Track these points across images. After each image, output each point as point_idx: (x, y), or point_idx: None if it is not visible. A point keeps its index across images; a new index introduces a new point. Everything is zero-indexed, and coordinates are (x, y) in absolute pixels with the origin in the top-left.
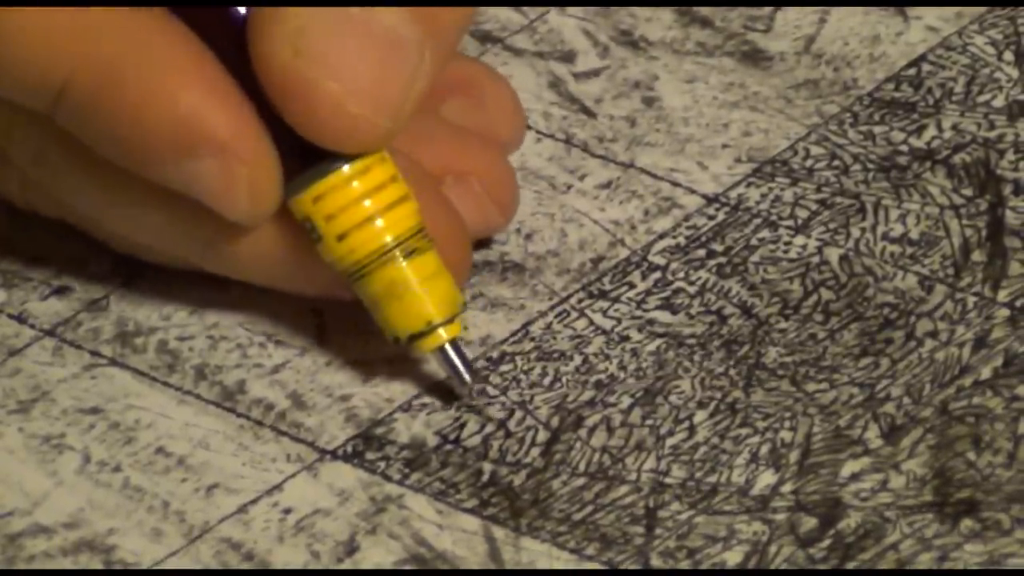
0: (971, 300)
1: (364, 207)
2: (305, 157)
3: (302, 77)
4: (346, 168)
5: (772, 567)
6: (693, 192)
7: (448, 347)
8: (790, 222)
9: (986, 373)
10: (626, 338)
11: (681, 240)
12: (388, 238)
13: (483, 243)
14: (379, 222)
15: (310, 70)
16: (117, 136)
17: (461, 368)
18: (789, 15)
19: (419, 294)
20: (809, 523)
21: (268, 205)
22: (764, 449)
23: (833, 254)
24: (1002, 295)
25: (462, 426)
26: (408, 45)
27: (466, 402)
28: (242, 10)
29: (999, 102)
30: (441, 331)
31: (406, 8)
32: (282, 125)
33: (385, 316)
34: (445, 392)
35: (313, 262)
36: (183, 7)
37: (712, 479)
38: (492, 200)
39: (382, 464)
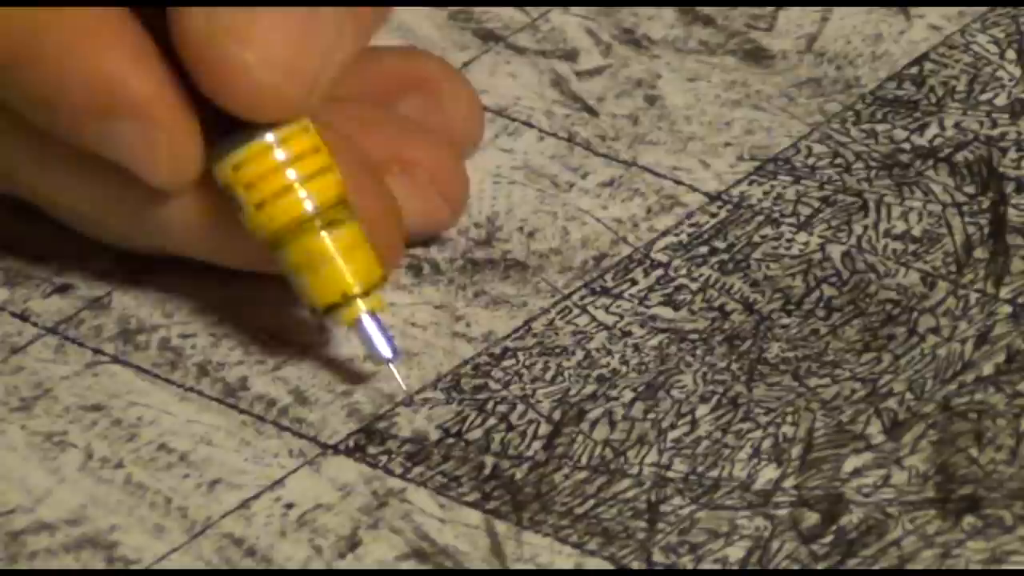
0: (973, 296)
1: (283, 176)
2: (227, 125)
3: (215, 46)
4: (267, 136)
5: (774, 563)
6: (695, 190)
7: (364, 319)
8: (792, 219)
9: (988, 369)
10: (628, 333)
11: (684, 237)
12: (307, 207)
13: (485, 241)
14: (299, 192)
15: (223, 39)
16: (37, 99)
17: (377, 343)
18: (791, 14)
19: (337, 265)
20: (811, 518)
21: (188, 170)
22: (766, 444)
23: (835, 251)
24: (1004, 292)
25: (464, 420)
26: (327, 17)
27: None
28: None
29: (1001, 100)
30: (359, 302)
31: None
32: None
33: (303, 286)
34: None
35: (238, 233)
36: None
37: (714, 473)
38: (438, 193)
39: (384, 458)
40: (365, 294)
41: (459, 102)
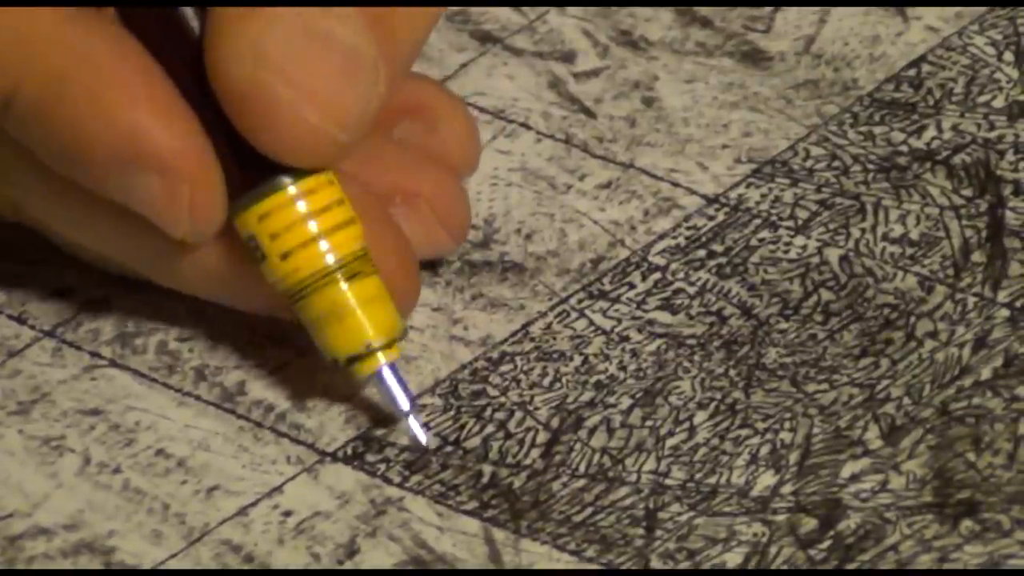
0: (971, 300)
1: (309, 227)
2: (252, 175)
3: (262, 87)
4: (293, 188)
5: (772, 568)
6: (693, 192)
7: (385, 371)
8: (790, 223)
9: (986, 374)
10: (626, 338)
11: (681, 240)
12: (331, 259)
13: (482, 243)
14: (323, 243)
15: (270, 80)
16: (60, 148)
17: (396, 394)
18: (789, 15)
19: (359, 317)
20: (809, 524)
21: (210, 223)
22: (764, 450)
23: (833, 255)
24: (1002, 295)
25: (462, 427)
26: (365, 60)
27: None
28: (195, 23)
29: (999, 103)
30: (380, 355)
31: (362, 18)
32: (230, 142)
33: (324, 338)
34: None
35: (256, 282)
36: (136, 23)
37: (712, 480)
38: (441, 223)
39: (382, 466)
40: (386, 346)
41: (455, 126)
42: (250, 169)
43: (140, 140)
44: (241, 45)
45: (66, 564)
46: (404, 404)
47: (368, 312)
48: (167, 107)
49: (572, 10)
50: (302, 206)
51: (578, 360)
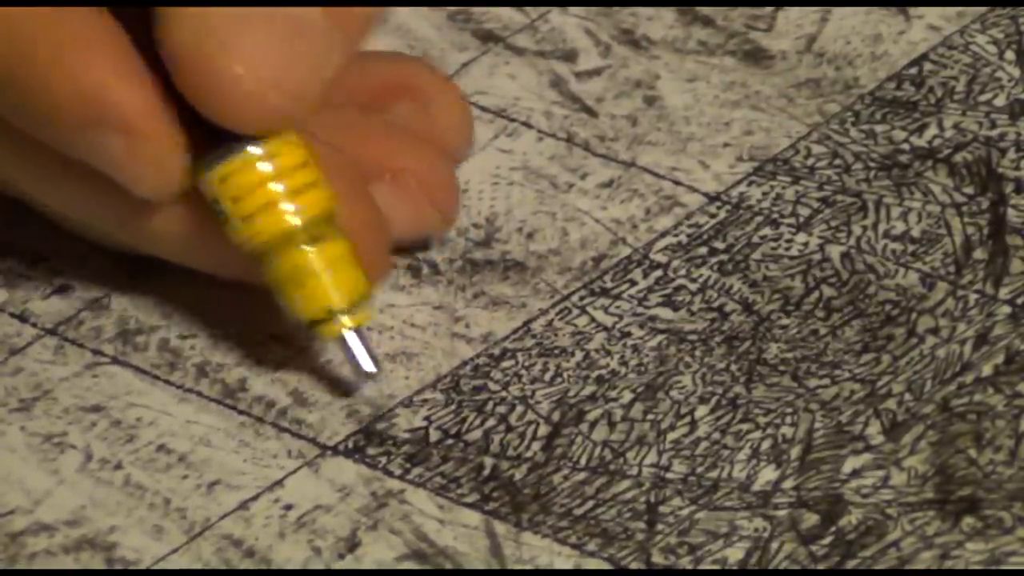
0: (972, 297)
1: (271, 190)
2: (215, 137)
3: (203, 57)
4: (255, 150)
5: (773, 564)
6: (695, 191)
7: (348, 335)
8: (792, 220)
9: (987, 370)
10: (627, 334)
11: (683, 238)
12: (294, 222)
13: (484, 242)
14: (284, 206)
15: (211, 50)
16: (26, 108)
17: (360, 358)
18: (791, 14)
19: (322, 280)
20: (810, 519)
21: (172, 182)
22: (765, 445)
23: (835, 251)
24: (1003, 292)
25: (463, 421)
26: (315, 30)
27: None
28: None
29: (1000, 101)
30: (343, 318)
31: None
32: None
33: (288, 300)
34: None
35: (223, 243)
36: None
37: (713, 475)
38: (429, 199)
39: (383, 459)
40: (350, 309)
41: (449, 110)
42: (213, 131)
43: (103, 98)
44: (186, 14)
45: (68, 560)
46: (368, 367)
47: (331, 276)
48: (128, 66)
49: (574, 9)
50: (263, 168)
51: (579, 356)
